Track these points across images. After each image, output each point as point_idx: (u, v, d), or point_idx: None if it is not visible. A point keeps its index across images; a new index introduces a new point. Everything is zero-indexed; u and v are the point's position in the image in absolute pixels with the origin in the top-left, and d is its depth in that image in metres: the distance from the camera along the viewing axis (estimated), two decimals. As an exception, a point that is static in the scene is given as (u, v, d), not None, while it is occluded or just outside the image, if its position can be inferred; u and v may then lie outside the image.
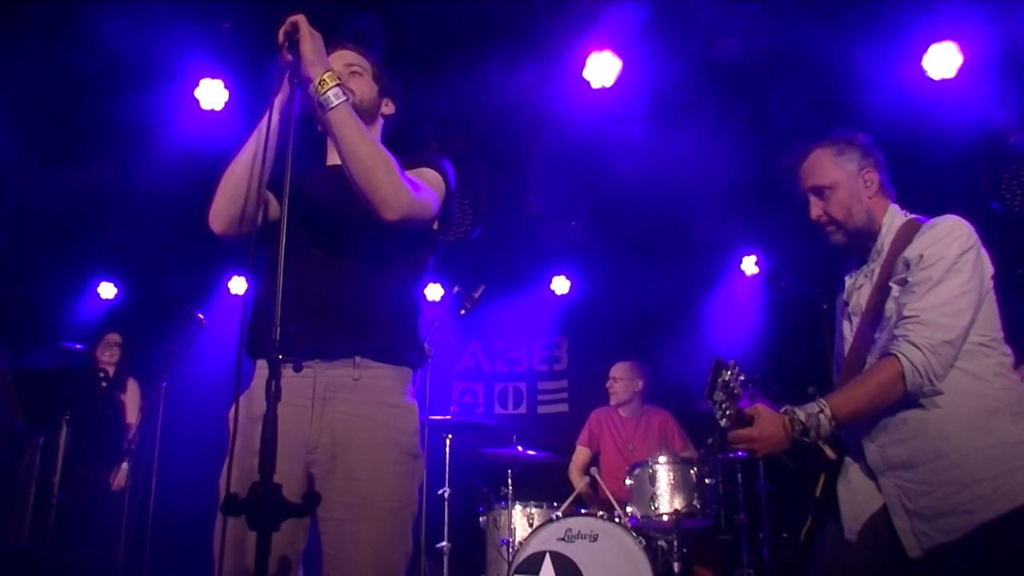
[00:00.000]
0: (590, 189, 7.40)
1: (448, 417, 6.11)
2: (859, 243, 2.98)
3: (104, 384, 5.70)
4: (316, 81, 2.44)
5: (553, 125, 6.67)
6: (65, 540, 5.85)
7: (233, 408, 2.60)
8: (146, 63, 5.85)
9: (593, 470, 6.34)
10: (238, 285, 8.42)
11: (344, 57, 2.85)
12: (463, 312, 5.78)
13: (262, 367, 2.63)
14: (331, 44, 2.81)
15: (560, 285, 8.51)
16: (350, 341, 2.55)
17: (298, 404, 2.53)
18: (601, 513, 5.48)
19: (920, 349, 2.60)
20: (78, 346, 6.73)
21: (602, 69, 5.93)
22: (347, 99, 2.48)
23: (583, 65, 5.93)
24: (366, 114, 2.81)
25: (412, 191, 2.55)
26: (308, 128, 2.69)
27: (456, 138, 7.14)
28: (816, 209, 2.98)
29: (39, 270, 7.89)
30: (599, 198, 7.52)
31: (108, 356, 6.86)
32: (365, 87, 2.84)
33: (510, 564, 5.38)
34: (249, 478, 2.23)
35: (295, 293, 2.37)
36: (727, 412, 2.69)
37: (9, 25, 5.73)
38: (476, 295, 5.75)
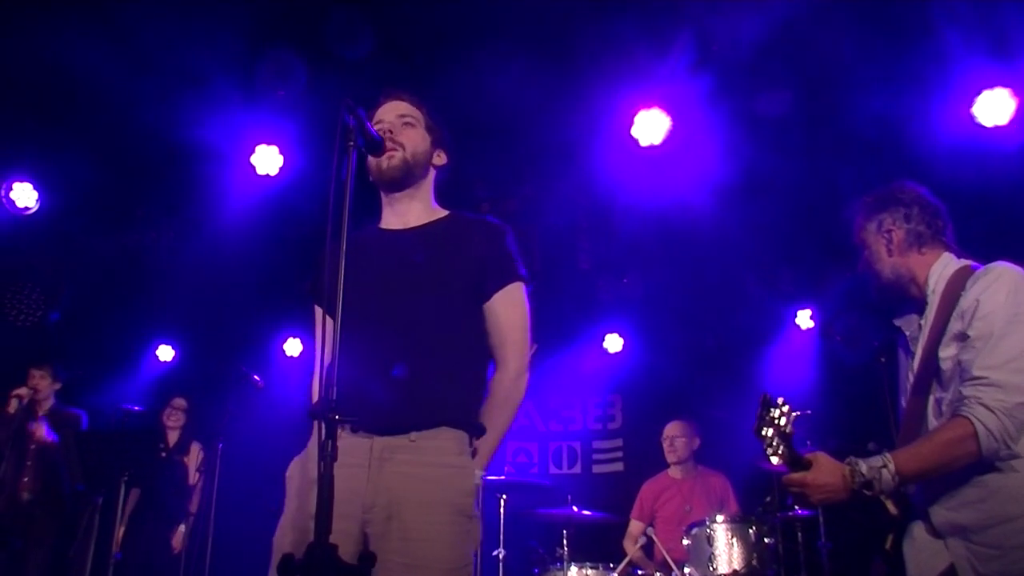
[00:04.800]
0: (641, 246, 7.40)
1: (502, 477, 6.07)
2: (900, 294, 2.98)
3: (164, 453, 5.79)
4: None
5: (603, 183, 6.71)
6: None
7: (291, 467, 2.65)
8: (203, 131, 6.01)
9: (649, 530, 6.24)
10: (293, 347, 8.51)
11: (397, 108, 2.87)
12: (516, 371, 5.77)
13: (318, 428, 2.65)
14: (386, 96, 2.88)
15: (613, 343, 8.47)
16: (409, 420, 2.55)
17: (355, 464, 2.53)
18: (658, 574, 5.38)
19: (994, 412, 2.52)
20: (137, 408, 6.85)
21: (650, 127, 5.97)
22: (482, 472, 2.64)
23: (631, 123, 5.97)
24: (419, 166, 2.84)
25: (525, 367, 2.84)
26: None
27: (507, 198, 7.21)
28: (860, 262, 3.09)
29: (100, 332, 8.05)
30: (651, 254, 7.51)
31: (173, 420, 7.01)
32: (418, 139, 2.85)
33: (567, 626, 5.29)
34: (305, 539, 2.24)
35: (358, 363, 2.41)
36: (779, 450, 2.64)
37: (73, 105, 5.95)
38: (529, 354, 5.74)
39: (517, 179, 7.04)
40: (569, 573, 5.71)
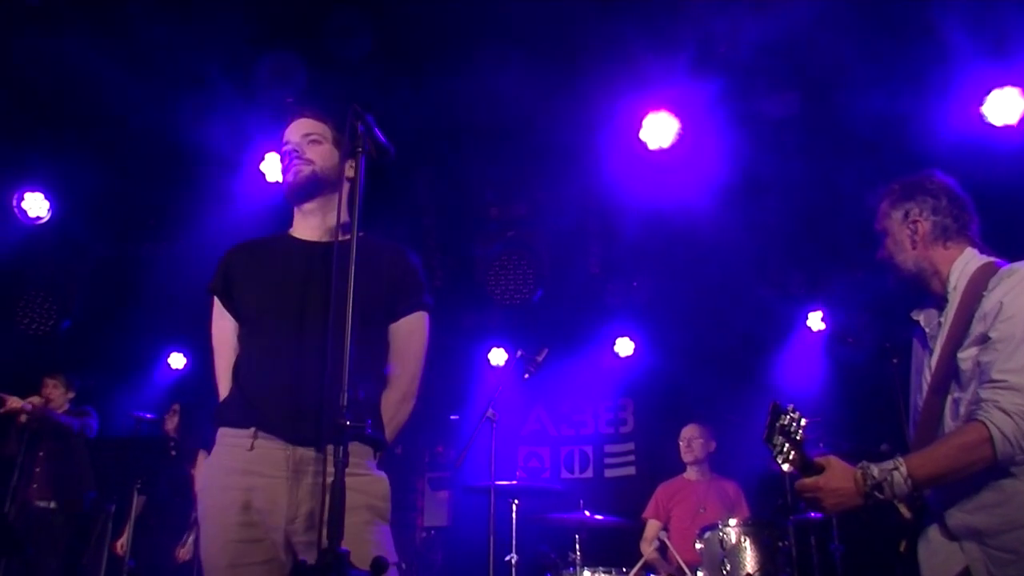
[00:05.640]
0: (651, 249, 7.39)
1: (514, 482, 6.06)
2: (921, 288, 2.93)
3: (173, 453, 5.79)
4: None
5: (612, 187, 6.70)
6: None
7: (201, 478, 2.73)
8: (213, 139, 6.03)
9: (662, 533, 6.22)
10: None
11: (302, 127, 2.90)
12: (527, 376, 5.77)
13: (226, 435, 2.69)
14: (291, 116, 2.92)
15: (624, 347, 8.46)
16: (320, 434, 2.56)
17: (274, 475, 2.59)
18: (671, 578, 5.36)
19: (1011, 416, 2.48)
20: (149, 415, 6.88)
21: (659, 130, 5.96)
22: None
23: (640, 126, 5.97)
24: (327, 181, 2.84)
25: (413, 392, 2.86)
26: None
27: (515, 202, 7.22)
28: (880, 250, 3.00)
29: (112, 340, 8.08)
30: (660, 258, 7.50)
31: (171, 425, 7.02)
32: (324, 154, 2.86)
33: (580, 631, 5.28)
34: (233, 548, 2.49)
35: (268, 373, 2.61)
36: (790, 456, 2.62)
37: (84, 115, 5.98)
38: (539, 358, 5.74)
39: (526, 183, 7.05)
40: (582, 577, 5.70)
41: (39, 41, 5.37)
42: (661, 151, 6.04)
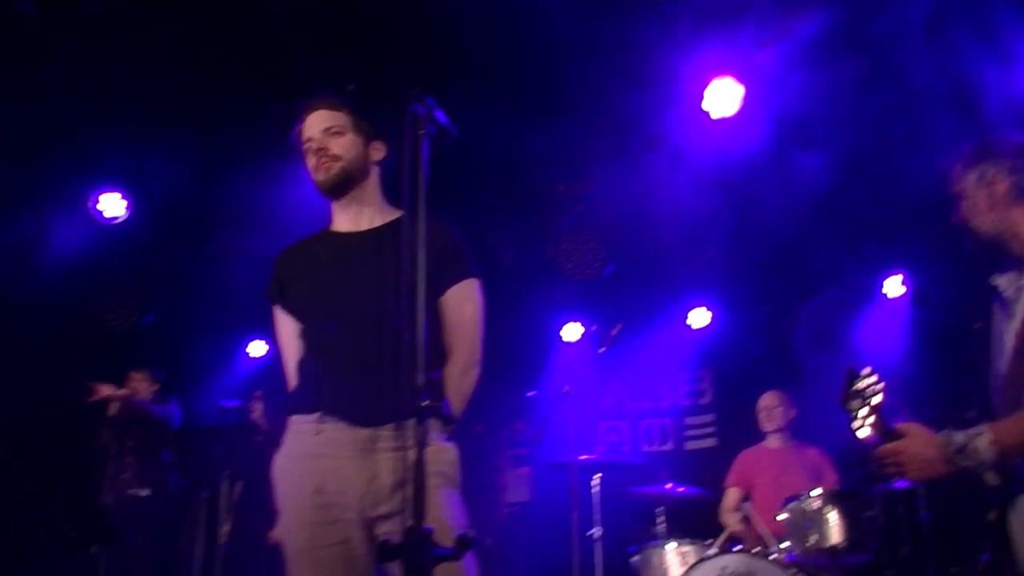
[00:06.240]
0: (723, 218, 7.30)
1: (594, 456, 6.07)
2: (1000, 251, 2.83)
3: (260, 440, 5.92)
4: None
5: (681, 155, 6.62)
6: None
7: (278, 467, 2.81)
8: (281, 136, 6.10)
9: (746, 505, 6.13)
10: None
11: (321, 120, 2.91)
12: (602, 350, 5.77)
13: (295, 423, 2.79)
14: (306, 109, 2.93)
15: (699, 317, 8.38)
16: (390, 412, 2.63)
17: (339, 456, 2.67)
18: (756, 549, 5.31)
19: None
20: (234, 403, 7.03)
21: (724, 97, 5.85)
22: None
23: (703, 93, 5.87)
24: (358, 172, 2.90)
25: (475, 361, 2.90)
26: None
27: (581, 177, 7.19)
28: (956, 213, 2.89)
29: (194, 332, 8.28)
30: (733, 226, 7.40)
31: (256, 413, 7.17)
32: (349, 145, 2.90)
33: (666, 604, 5.27)
34: (309, 530, 2.59)
35: (337, 361, 2.70)
36: (866, 421, 2.57)
37: (159, 114, 6.11)
38: (614, 332, 5.73)
39: (592, 156, 7.00)
40: (666, 550, 5.68)
41: (100, 44, 5.48)
42: (729, 118, 5.94)
